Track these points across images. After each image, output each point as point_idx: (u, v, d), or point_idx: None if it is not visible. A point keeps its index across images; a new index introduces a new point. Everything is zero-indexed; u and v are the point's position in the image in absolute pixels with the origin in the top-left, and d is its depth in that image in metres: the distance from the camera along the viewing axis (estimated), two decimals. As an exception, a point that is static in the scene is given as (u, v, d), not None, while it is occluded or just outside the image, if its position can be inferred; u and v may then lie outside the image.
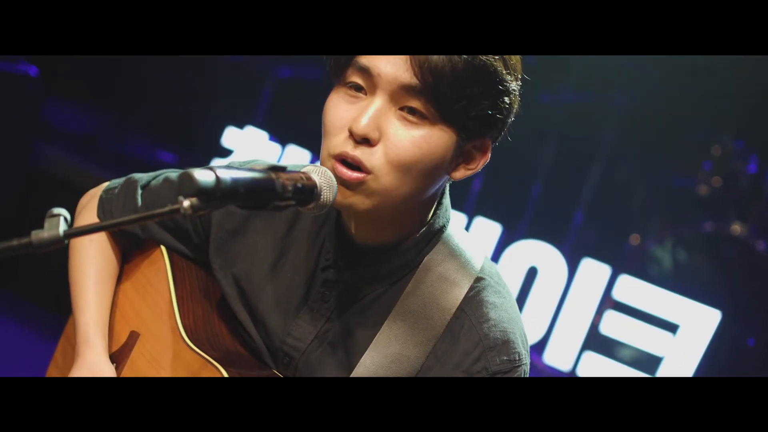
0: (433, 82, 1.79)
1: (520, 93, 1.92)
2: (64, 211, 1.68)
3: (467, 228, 5.81)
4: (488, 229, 5.79)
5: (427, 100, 1.81)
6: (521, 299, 5.58)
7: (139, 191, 2.24)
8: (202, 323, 2.16)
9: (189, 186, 1.56)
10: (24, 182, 5.34)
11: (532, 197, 6.06)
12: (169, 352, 2.11)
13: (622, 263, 5.52)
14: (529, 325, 5.54)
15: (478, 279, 2.00)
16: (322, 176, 1.80)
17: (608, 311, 5.42)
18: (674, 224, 5.77)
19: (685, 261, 5.67)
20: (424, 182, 1.88)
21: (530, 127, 6.00)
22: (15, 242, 1.65)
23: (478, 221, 5.83)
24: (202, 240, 2.20)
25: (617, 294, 5.42)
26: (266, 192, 1.70)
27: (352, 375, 1.96)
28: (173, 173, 2.23)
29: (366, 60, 1.83)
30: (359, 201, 1.86)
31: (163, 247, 2.25)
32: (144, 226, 2.24)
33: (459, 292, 1.97)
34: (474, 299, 1.97)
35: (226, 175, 1.60)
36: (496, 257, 5.70)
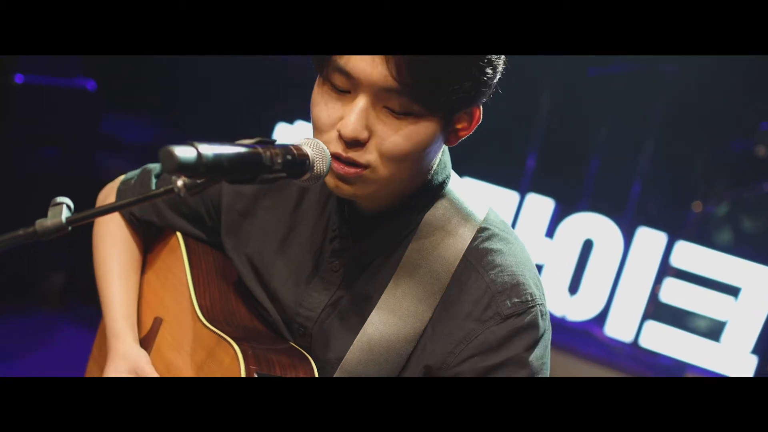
0: (412, 82, 1.80)
1: (500, 57, 1.89)
2: (67, 200, 1.73)
3: (519, 206, 5.80)
4: (541, 205, 5.77)
5: (410, 99, 1.82)
6: (578, 272, 5.55)
7: (154, 179, 2.29)
8: (219, 303, 2.21)
9: (170, 162, 1.56)
10: (86, 195, 5.47)
11: (587, 170, 6.02)
12: (189, 334, 2.17)
13: (678, 230, 5.45)
14: (587, 298, 5.52)
15: (482, 229, 2.01)
16: (314, 148, 1.83)
17: (667, 279, 5.35)
18: (734, 187, 5.68)
19: (746, 223, 5.59)
20: (420, 164, 1.91)
21: (580, 101, 5.97)
22: (21, 231, 1.71)
23: (530, 198, 5.81)
24: (216, 223, 2.25)
25: (675, 261, 5.35)
26: (253, 165, 1.71)
27: (359, 333, 1.98)
28: None
29: (344, 63, 1.83)
30: (359, 190, 1.89)
31: (178, 234, 2.31)
32: (159, 213, 2.30)
33: (462, 243, 1.98)
34: (478, 248, 1.98)
35: (208, 150, 1.61)
36: (550, 232, 5.68)
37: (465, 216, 2.02)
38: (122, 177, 2.37)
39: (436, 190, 2.02)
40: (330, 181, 1.90)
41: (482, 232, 2.00)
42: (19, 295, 5.33)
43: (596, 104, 6.09)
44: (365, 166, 1.86)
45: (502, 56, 1.89)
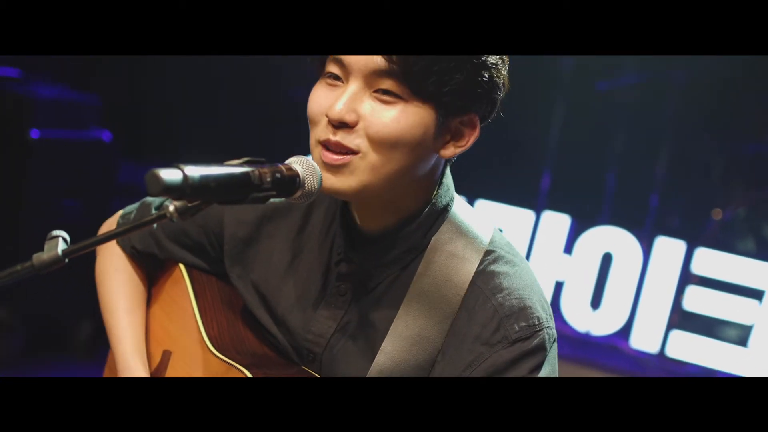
0: (401, 62, 1.82)
1: (506, 70, 1.92)
2: (62, 233, 1.75)
3: (536, 225, 5.80)
4: (558, 222, 5.77)
5: (398, 80, 1.84)
6: (599, 287, 5.54)
7: (153, 211, 2.29)
8: (227, 331, 2.21)
9: (155, 185, 1.57)
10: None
11: (602, 184, 6.01)
12: (199, 364, 2.17)
13: (696, 237, 5.43)
14: (611, 312, 5.50)
15: (488, 252, 2.00)
16: (303, 165, 1.83)
17: (690, 287, 5.33)
18: (752, 190, 5.66)
19: (766, 226, 5.56)
20: (409, 158, 1.90)
21: (591, 116, 5.97)
22: (19, 267, 1.73)
23: (546, 215, 5.81)
24: (219, 252, 2.25)
25: (696, 268, 5.33)
26: (241, 185, 1.72)
27: (374, 363, 1.98)
28: None
29: None
30: (349, 183, 1.89)
31: (181, 265, 2.31)
32: (161, 245, 2.31)
33: (470, 267, 1.97)
34: (485, 272, 1.97)
35: (194, 171, 1.62)
36: (568, 248, 5.67)
37: (471, 239, 2.01)
38: (121, 211, 2.38)
39: (440, 213, 2.02)
40: (324, 181, 1.89)
41: (488, 255, 1.99)
42: (52, 349, 5.37)
43: (607, 118, 6.09)
44: (354, 151, 1.87)
45: (499, 63, 1.90)
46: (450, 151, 1.96)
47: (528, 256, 5.70)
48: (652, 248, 5.49)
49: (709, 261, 5.32)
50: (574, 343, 5.50)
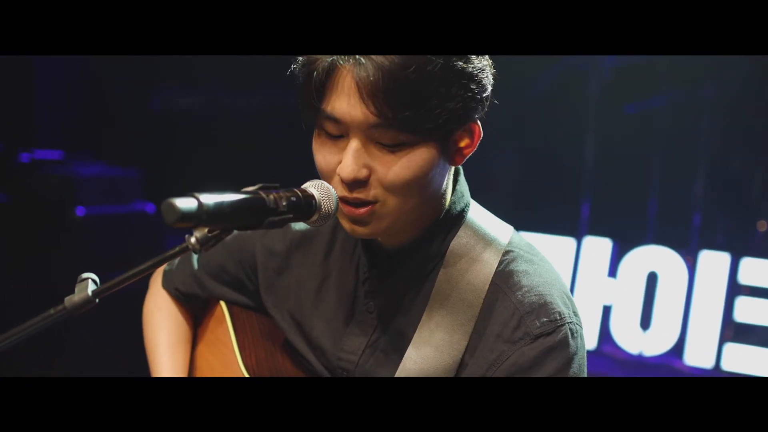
0: (393, 114, 1.83)
1: (488, 62, 1.93)
2: (92, 275, 1.81)
3: (578, 251, 5.78)
4: (599, 246, 5.75)
5: (397, 130, 1.85)
6: (647, 307, 5.50)
7: (194, 255, 2.38)
8: (265, 363, 2.26)
9: (171, 214, 1.61)
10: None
11: (643, 206, 5.99)
12: None
13: (740, 248, 5.38)
14: (661, 331, 5.45)
15: (507, 252, 2.03)
16: (319, 188, 1.88)
17: (739, 298, 5.27)
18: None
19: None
20: (427, 189, 1.94)
21: (623, 141, 5.96)
22: (52, 311, 1.79)
23: (587, 241, 5.79)
24: (256, 286, 2.30)
25: (744, 279, 5.28)
26: (257, 209, 1.76)
27: (399, 370, 2.00)
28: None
29: (330, 108, 1.88)
30: (376, 227, 1.94)
31: (223, 303, 2.37)
32: (202, 285, 2.38)
33: (489, 269, 2.00)
34: (504, 271, 2.00)
35: (209, 199, 1.66)
36: (612, 272, 5.64)
37: (489, 241, 2.04)
38: (166, 265, 2.45)
39: (456, 219, 2.05)
40: (346, 225, 1.95)
41: (507, 255, 2.02)
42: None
43: (641, 141, 6.08)
44: (374, 201, 1.90)
45: (486, 68, 1.92)
46: (458, 159, 1.99)
47: (573, 283, 5.69)
48: (697, 263, 5.45)
49: (756, 270, 5.27)
50: (627, 365, 5.46)
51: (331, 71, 1.88)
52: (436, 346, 1.99)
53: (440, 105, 1.85)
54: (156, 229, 5.63)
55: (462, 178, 2.09)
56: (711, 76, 5.79)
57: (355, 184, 1.89)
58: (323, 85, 1.89)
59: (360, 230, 1.94)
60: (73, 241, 5.27)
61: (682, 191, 5.91)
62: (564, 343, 1.93)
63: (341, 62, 1.86)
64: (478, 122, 1.97)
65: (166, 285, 2.45)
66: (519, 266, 2.00)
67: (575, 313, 1.98)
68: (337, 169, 1.90)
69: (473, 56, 1.90)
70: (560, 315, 1.94)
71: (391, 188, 1.89)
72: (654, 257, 5.56)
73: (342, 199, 1.92)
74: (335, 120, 1.89)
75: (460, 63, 1.86)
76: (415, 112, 1.83)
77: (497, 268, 2.00)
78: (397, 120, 1.84)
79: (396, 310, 2.08)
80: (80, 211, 5.28)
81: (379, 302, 2.10)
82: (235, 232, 2.24)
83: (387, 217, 1.93)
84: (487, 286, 1.99)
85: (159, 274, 2.49)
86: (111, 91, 6.65)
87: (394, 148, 1.88)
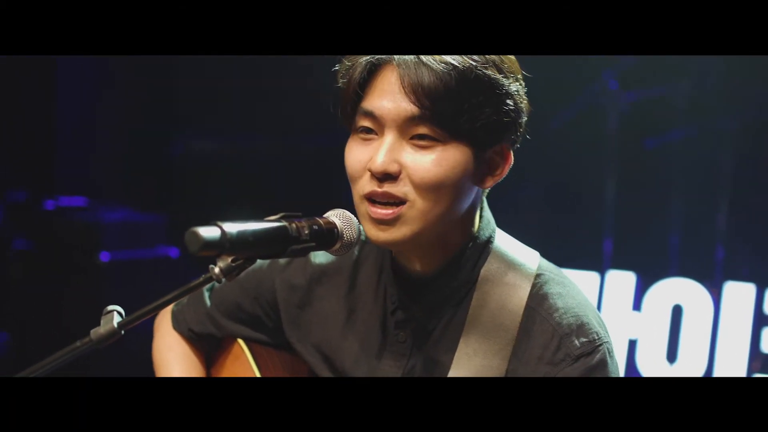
0: (432, 106, 1.89)
1: (524, 92, 2.00)
2: (117, 307, 1.84)
3: (601, 285, 5.76)
4: (623, 280, 5.73)
5: (432, 124, 1.91)
6: (673, 339, 5.46)
7: (206, 293, 2.38)
8: None
9: (195, 242, 1.65)
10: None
11: (666, 239, 5.96)
12: None
13: (765, 279, 5.35)
14: (688, 364, 5.40)
15: (538, 276, 2.06)
16: (340, 217, 1.92)
17: (765, 329, 5.24)
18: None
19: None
20: (455, 198, 1.97)
21: (643, 176, 5.95)
22: (78, 343, 1.82)
23: (610, 275, 5.77)
24: (276, 322, 2.31)
25: (770, 308, 5.26)
26: (279, 238, 1.80)
27: None
28: None
29: (368, 104, 1.95)
30: (400, 233, 1.95)
31: (240, 341, 2.36)
32: (218, 324, 2.37)
33: (522, 293, 2.03)
34: (538, 294, 2.03)
35: (232, 227, 1.70)
36: (637, 305, 5.61)
37: (518, 267, 2.07)
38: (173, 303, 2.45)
39: (483, 246, 2.08)
40: (370, 230, 1.96)
41: (538, 279, 2.05)
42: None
43: (661, 174, 6.07)
44: (402, 201, 1.92)
45: (520, 89, 1.98)
46: (489, 182, 2.03)
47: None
48: (722, 294, 5.42)
49: (782, 300, 5.24)
50: (654, 399, 5.40)
51: (373, 70, 1.96)
52: (476, 372, 2.00)
53: (477, 109, 1.91)
54: (179, 273, 5.66)
55: (486, 205, 2.12)
56: (728, 107, 5.79)
57: (385, 177, 1.92)
58: (365, 84, 1.96)
59: (383, 236, 1.96)
60: (98, 286, 5.32)
61: (704, 223, 5.88)
62: (603, 363, 1.97)
63: (384, 61, 1.93)
64: (511, 150, 2.02)
65: (178, 326, 2.44)
66: (552, 289, 2.03)
67: (607, 333, 2.03)
68: (368, 163, 1.94)
69: (512, 75, 1.97)
70: (598, 335, 1.99)
71: (420, 185, 1.92)
72: (678, 290, 5.54)
73: (369, 197, 1.94)
74: (372, 115, 1.94)
75: (500, 77, 1.94)
76: (452, 108, 1.89)
77: (530, 291, 2.03)
78: (434, 113, 1.89)
79: (430, 338, 2.09)
80: (105, 257, 5.33)
81: (411, 331, 2.11)
82: (249, 268, 2.28)
83: (412, 222, 1.94)
84: (522, 310, 2.01)
85: (165, 316, 2.46)
86: (133, 136, 6.73)
87: (428, 144, 1.92)
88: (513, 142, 2.04)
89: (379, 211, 1.94)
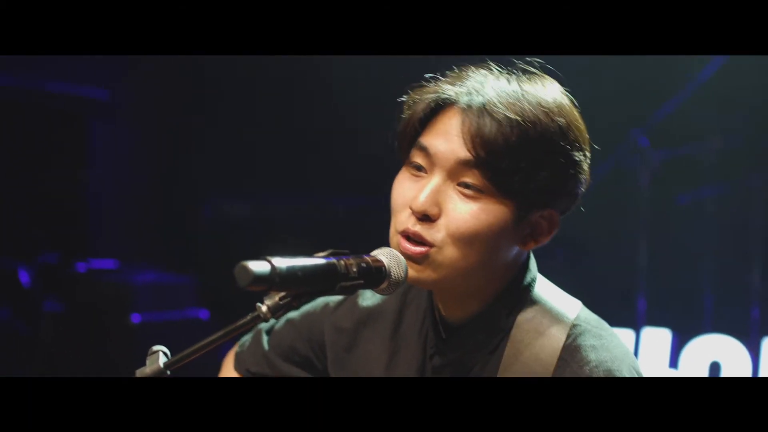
0: (486, 156, 1.87)
1: (588, 165, 1.97)
2: (162, 347, 1.84)
3: (637, 343, 5.69)
4: (659, 337, 5.67)
5: (483, 174, 1.88)
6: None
7: (265, 336, 2.37)
8: None
9: (245, 276, 1.64)
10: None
11: (699, 295, 5.91)
12: None
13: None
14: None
15: (574, 326, 2.00)
16: (388, 256, 1.89)
17: (806, 383, 5.15)
18: None
19: None
20: (488, 253, 1.93)
21: (676, 232, 5.92)
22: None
23: (646, 332, 5.71)
24: (324, 364, 2.30)
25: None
26: (328, 274, 1.77)
27: None
28: (294, 314, 2.34)
29: (424, 139, 1.94)
30: (427, 274, 1.93)
31: None
32: (273, 365, 2.36)
33: (557, 344, 1.98)
34: (572, 346, 1.97)
35: (282, 263, 1.68)
36: (674, 362, 5.54)
37: (556, 316, 2.02)
38: (238, 343, 2.45)
39: (523, 293, 2.04)
40: None
41: (574, 329, 2.00)
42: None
43: (694, 231, 6.04)
44: (431, 245, 1.90)
45: (583, 159, 1.95)
46: (530, 245, 1.99)
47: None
48: (761, 350, 5.34)
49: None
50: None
51: (437, 109, 1.95)
52: None
53: (533, 170, 1.88)
54: (210, 334, 5.64)
55: (532, 257, 2.08)
56: (758, 164, 5.77)
57: (423, 218, 1.91)
58: (426, 120, 1.95)
59: (414, 269, 1.93)
60: (130, 348, 5.31)
61: (737, 279, 5.84)
62: None
63: (450, 102, 1.93)
64: (559, 216, 1.99)
65: (238, 367, 2.44)
66: (586, 341, 1.97)
67: None
68: (411, 201, 1.92)
69: (577, 145, 1.94)
70: None
71: (454, 234, 1.89)
72: (715, 346, 5.47)
73: (403, 233, 1.93)
74: (426, 152, 1.93)
75: (563, 144, 1.91)
76: (507, 164, 1.87)
77: (565, 342, 1.98)
78: (487, 164, 1.87)
79: None
80: (136, 318, 5.33)
81: (446, 378, 2.07)
82: (304, 312, 2.27)
83: (441, 269, 1.92)
84: (555, 361, 1.96)
85: (231, 357, 2.48)
86: (163, 199, 6.77)
87: (472, 194, 1.89)
88: (563, 211, 2.01)
89: (409, 247, 1.92)
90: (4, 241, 5.80)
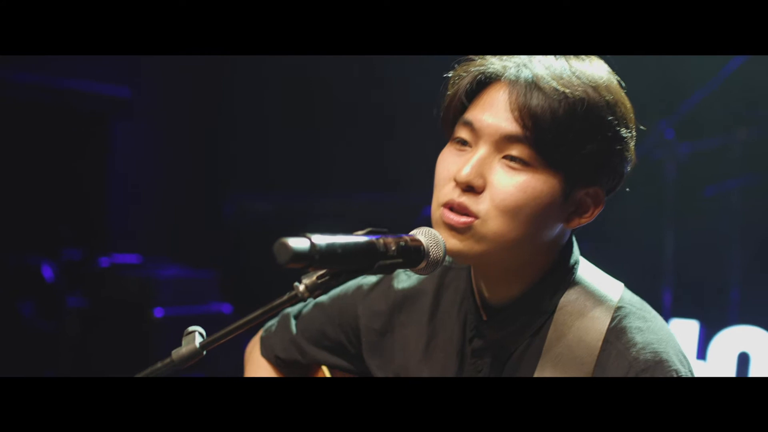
0: (534, 129, 1.86)
1: (633, 142, 1.95)
2: (198, 328, 1.82)
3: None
4: (686, 329, 5.62)
5: (529, 147, 1.87)
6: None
7: (293, 321, 2.35)
8: None
9: (284, 253, 1.61)
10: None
11: (726, 287, 5.86)
12: None
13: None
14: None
15: (618, 308, 1.98)
16: (426, 235, 1.87)
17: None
18: None
19: None
20: (533, 227, 1.91)
21: (702, 222, 5.88)
22: (159, 364, 1.80)
23: (673, 323, 5.67)
24: (358, 349, 2.27)
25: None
26: (368, 253, 1.75)
27: None
28: (321, 298, 2.31)
29: (470, 114, 1.93)
30: (469, 246, 1.91)
31: (324, 368, 2.34)
32: (303, 351, 2.34)
33: (601, 326, 1.95)
34: (617, 328, 1.95)
35: (321, 240, 1.66)
36: (701, 354, 5.49)
37: (599, 298, 2.00)
38: (262, 329, 2.43)
39: (564, 276, 2.02)
40: (441, 235, 1.91)
41: (618, 312, 1.97)
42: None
43: (720, 223, 5.98)
44: (475, 216, 1.88)
45: (629, 137, 1.93)
46: (574, 222, 1.98)
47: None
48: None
49: None
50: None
51: (482, 83, 1.94)
52: None
53: (579, 142, 1.87)
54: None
55: (574, 240, 2.06)
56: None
57: (467, 188, 1.89)
58: (471, 95, 1.94)
59: (451, 243, 1.90)
60: (153, 342, 5.33)
61: (765, 271, 5.79)
62: None
63: (495, 77, 1.91)
64: (604, 195, 1.97)
65: (265, 352, 2.42)
66: (632, 323, 1.95)
67: (691, 372, 1.93)
68: (455, 173, 1.90)
69: (624, 122, 1.92)
70: (677, 373, 1.89)
71: (499, 206, 1.87)
72: (744, 337, 5.42)
73: (447, 204, 1.91)
74: (471, 126, 1.92)
75: (611, 118, 1.89)
76: (553, 135, 1.85)
77: (609, 325, 1.95)
78: (534, 136, 1.86)
79: (505, 368, 2.03)
80: (159, 312, 5.35)
81: (487, 360, 2.05)
82: (334, 295, 2.24)
83: (484, 241, 1.90)
84: (600, 344, 1.94)
85: (256, 344, 2.46)
86: (186, 194, 6.79)
87: (518, 166, 1.88)
88: (609, 190, 1.99)
89: (453, 217, 1.90)
90: (29, 237, 5.82)
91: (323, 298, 2.32)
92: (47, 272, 5.61)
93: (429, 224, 1.93)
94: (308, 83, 6.63)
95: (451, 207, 1.90)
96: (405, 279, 2.23)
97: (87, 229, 6.17)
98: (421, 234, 1.87)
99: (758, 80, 5.58)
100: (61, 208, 6.04)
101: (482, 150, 1.90)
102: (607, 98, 1.90)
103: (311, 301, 2.35)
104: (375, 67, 6.29)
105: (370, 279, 2.26)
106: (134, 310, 5.46)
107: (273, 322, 2.41)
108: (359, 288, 2.28)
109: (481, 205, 1.89)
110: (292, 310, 2.38)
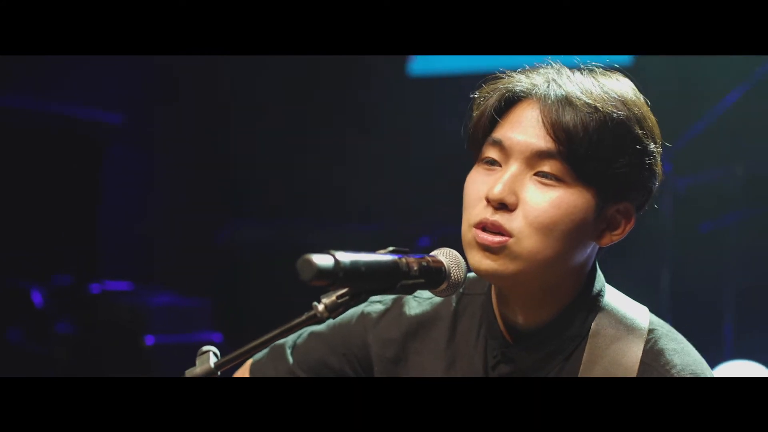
0: (566, 144, 1.86)
1: (659, 159, 1.96)
2: (212, 348, 1.78)
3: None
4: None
5: (561, 162, 1.87)
6: None
7: (288, 351, 2.26)
8: None
9: (308, 270, 1.59)
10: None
11: (719, 328, 5.83)
12: None
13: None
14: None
15: (651, 331, 1.98)
16: (447, 256, 1.85)
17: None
18: None
19: None
20: (567, 245, 1.90)
21: (700, 261, 5.86)
22: (173, 384, 1.75)
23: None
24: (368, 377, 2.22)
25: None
26: (391, 272, 1.73)
27: None
28: (317, 328, 2.24)
29: (498, 133, 1.92)
30: (504, 266, 1.89)
31: None
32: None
33: (637, 349, 1.95)
34: (653, 350, 1.95)
35: (345, 257, 1.64)
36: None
37: (631, 322, 1.99)
38: (249, 362, 2.32)
39: (594, 301, 2.00)
40: (473, 257, 1.90)
41: (652, 334, 1.97)
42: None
43: (718, 259, 5.96)
44: (510, 235, 1.86)
45: (657, 151, 1.93)
46: (606, 239, 1.96)
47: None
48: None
49: None
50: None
51: (510, 102, 1.93)
52: None
53: (611, 156, 1.87)
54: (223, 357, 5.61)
55: (596, 263, 2.04)
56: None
57: (500, 206, 1.87)
58: (500, 114, 1.92)
59: (485, 263, 1.89)
60: (144, 370, 5.28)
61: (760, 307, 5.78)
62: None
63: (523, 95, 1.91)
64: (635, 211, 1.96)
65: None
66: (667, 345, 1.95)
67: None
68: (486, 192, 1.88)
69: (652, 137, 1.93)
70: None
71: (534, 223, 1.86)
72: (739, 373, 5.40)
73: (479, 225, 1.88)
74: (500, 145, 1.90)
75: (640, 133, 1.90)
76: (585, 149, 1.85)
77: (644, 347, 1.95)
78: (567, 151, 1.85)
79: None
80: (149, 341, 5.30)
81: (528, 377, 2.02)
82: (335, 323, 2.18)
83: (519, 260, 1.88)
84: (637, 366, 1.93)
85: (245, 371, 2.34)
86: (179, 221, 6.77)
87: (551, 182, 1.87)
88: (639, 206, 1.98)
89: (487, 237, 1.88)
90: (18, 262, 5.77)
91: (319, 327, 2.24)
92: (36, 297, 5.56)
93: (424, 251, 1.90)
94: (302, 107, 6.63)
95: (483, 227, 1.88)
96: (416, 306, 2.18)
97: (77, 254, 6.12)
98: (442, 255, 1.85)
99: (755, 114, 5.59)
100: (52, 233, 5.99)
101: (513, 167, 1.89)
102: (635, 112, 1.91)
103: (305, 331, 2.26)
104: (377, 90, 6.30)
105: (376, 307, 2.21)
106: (125, 337, 5.41)
107: (261, 355, 2.30)
108: (365, 316, 2.21)
109: (514, 222, 1.87)
110: (285, 341, 2.28)
